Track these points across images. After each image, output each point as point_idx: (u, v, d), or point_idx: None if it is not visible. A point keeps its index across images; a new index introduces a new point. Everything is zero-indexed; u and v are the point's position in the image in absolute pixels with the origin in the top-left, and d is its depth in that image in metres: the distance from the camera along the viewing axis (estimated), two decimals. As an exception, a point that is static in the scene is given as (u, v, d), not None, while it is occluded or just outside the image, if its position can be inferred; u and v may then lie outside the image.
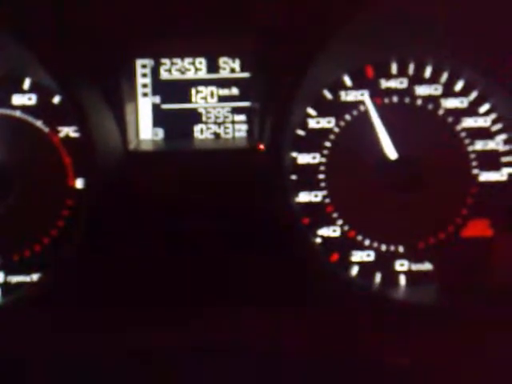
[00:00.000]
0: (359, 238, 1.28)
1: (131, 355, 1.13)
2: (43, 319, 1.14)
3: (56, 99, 1.26)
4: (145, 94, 1.27)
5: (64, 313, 1.15)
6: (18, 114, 1.26)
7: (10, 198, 1.25)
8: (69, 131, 1.26)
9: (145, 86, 1.27)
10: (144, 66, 1.27)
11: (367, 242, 1.28)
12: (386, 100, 1.28)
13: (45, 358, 1.13)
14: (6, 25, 1.11)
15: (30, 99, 1.26)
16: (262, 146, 1.21)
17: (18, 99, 1.26)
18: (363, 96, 1.28)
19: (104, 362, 1.13)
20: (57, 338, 1.15)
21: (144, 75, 1.27)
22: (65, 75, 1.15)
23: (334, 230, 1.28)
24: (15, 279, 1.27)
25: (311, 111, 1.28)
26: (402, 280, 1.28)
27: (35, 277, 1.26)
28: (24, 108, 1.26)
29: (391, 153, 1.26)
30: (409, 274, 1.28)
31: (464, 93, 1.29)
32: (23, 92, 1.26)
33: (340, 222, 1.28)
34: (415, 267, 1.28)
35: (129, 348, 1.14)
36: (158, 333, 1.16)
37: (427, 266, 1.29)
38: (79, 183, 1.25)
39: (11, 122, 1.25)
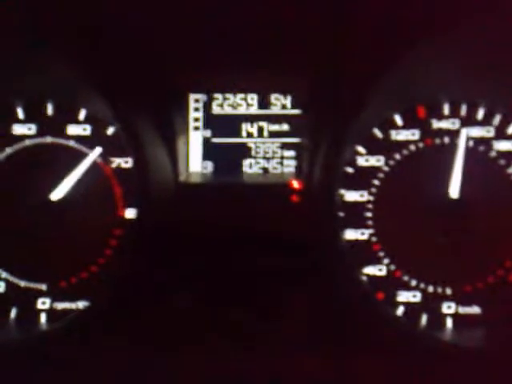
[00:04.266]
0: (405, 278, 1.27)
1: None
2: (89, 346, 1.16)
3: (110, 130, 1.28)
4: (196, 128, 1.29)
5: (108, 341, 1.16)
6: (71, 143, 1.28)
7: (60, 226, 1.27)
8: (120, 162, 1.28)
9: (196, 119, 1.29)
10: (197, 101, 1.29)
11: (414, 283, 1.27)
12: (437, 140, 1.28)
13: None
14: (73, 60, 1.14)
15: (85, 130, 1.28)
16: (296, 185, 1.22)
17: (73, 129, 1.28)
18: (415, 135, 1.28)
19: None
20: (100, 365, 1.16)
21: (196, 109, 1.28)
22: (122, 107, 1.18)
23: (380, 269, 1.28)
24: (61, 306, 1.28)
25: (361, 149, 1.29)
26: (449, 323, 1.26)
27: (81, 304, 1.28)
28: (78, 138, 1.28)
29: (455, 192, 1.25)
30: (456, 316, 1.27)
31: (517, 136, 1.29)
32: (79, 122, 1.29)
33: (386, 261, 1.27)
34: (463, 310, 1.27)
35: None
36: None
37: (475, 310, 1.27)
38: (128, 213, 1.27)
39: (65, 152, 1.28)
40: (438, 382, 1.14)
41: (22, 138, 1.29)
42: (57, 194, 1.25)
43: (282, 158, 1.30)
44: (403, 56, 1.16)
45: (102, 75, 1.17)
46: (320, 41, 1.20)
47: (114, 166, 1.28)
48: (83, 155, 1.28)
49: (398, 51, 1.16)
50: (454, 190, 1.25)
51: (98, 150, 1.27)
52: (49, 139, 1.28)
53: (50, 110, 1.29)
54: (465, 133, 1.26)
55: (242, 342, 1.15)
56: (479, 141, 1.28)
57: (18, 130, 1.29)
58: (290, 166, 1.30)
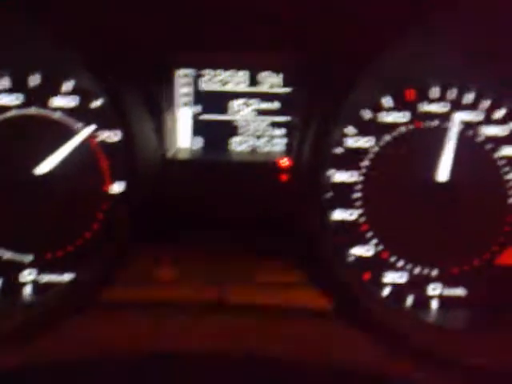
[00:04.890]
0: (393, 258, 1.27)
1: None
2: (73, 321, 1.14)
3: (97, 103, 1.26)
4: (185, 104, 1.27)
5: (93, 316, 1.14)
6: (57, 115, 1.26)
7: (47, 199, 1.25)
8: (107, 135, 1.26)
9: (185, 95, 1.27)
10: (185, 76, 1.27)
11: (401, 264, 1.27)
12: (427, 123, 1.28)
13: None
14: (59, 30, 1.12)
15: (71, 101, 1.26)
16: (285, 163, 1.22)
17: (58, 101, 1.26)
18: (404, 118, 1.28)
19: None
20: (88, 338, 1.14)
21: (185, 85, 1.27)
22: (110, 79, 1.16)
23: (368, 250, 1.27)
24: (47, 278, 1.27)
25: (350, 129, 1.28)
26: (434, 304, 1.27)
27: (67, 276, 1.27)
28: (64, 110, 1.26)
29: (443, 175, 1.25)
30: (441, 298, 1.27)
31: (505, 121, 1.29)
32: (65, 94, 1.26)
33: (374, 241, 1.27)
34: (448, 292, 1.27)
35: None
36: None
37: (460, 292, 1.27)
38: (115, 187, 1.25)
39: (51, 123, 1.25)
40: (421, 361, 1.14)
41: (8, 108, 1.25)
42: (44, 168, 1.23)
43: (272, 136, 1.29)
44: (395, 39, 1.16)
45: (90, 49, 1.15)
46: (312, 20, 1.19)
47: (100, 139, 1.26)
48: (70, 127, 1.25)
49: (389, 34, 1.16)
50: (443, 173, 1.25)
51: (92, 127, 1.25)
52: (35, 110, 1.25)
53: (36, 80, 1.26)
54: (457, 117, 1.27)
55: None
56: (468, 125, 1.28)
57: (3, 99, 1.26)
58: (279, 144, 1.29)
